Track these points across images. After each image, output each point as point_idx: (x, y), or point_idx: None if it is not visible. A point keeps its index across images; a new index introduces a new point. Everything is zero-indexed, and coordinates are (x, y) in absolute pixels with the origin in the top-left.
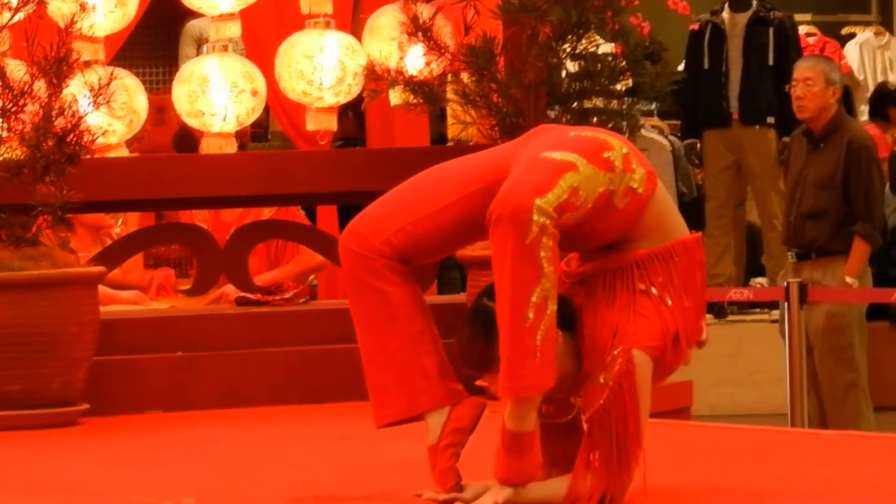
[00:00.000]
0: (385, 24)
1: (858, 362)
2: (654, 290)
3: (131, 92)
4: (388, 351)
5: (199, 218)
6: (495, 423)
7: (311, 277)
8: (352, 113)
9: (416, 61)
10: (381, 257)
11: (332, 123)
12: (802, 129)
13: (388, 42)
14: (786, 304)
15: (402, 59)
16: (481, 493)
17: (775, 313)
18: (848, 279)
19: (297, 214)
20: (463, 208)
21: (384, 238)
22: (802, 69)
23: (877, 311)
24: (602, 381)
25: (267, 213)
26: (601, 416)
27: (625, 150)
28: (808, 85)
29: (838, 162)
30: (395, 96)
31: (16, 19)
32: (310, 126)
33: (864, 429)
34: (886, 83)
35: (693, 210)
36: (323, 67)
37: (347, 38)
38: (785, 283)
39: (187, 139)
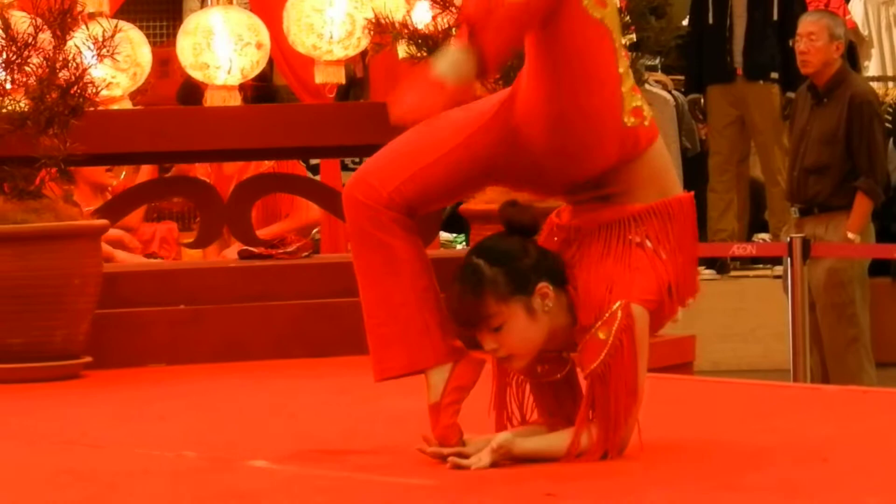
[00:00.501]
0: None
1: (860, 318)
2: (648, 244)
3: (135, 44)
4: (392, 305)
5: (201, 171)
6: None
7: (315, 231)
8: None
9: (422, 15)
10: (389, 209)
11: (340, 76)
12: (807, 85)
13: None
14: (788, 259)
15: (408, 12)
16: (483, 447)
17: (778, 269)
18: (850, 234)
19: (298, 167)
20: (469, 147)
21: (393, 187)
22: (806, 24)
23: (879, 267)
24: (602, 336)
25: (267, 165)
26: (602, 371)
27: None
28: (811, 40)
29: (841, 117)
30: (402, 49)
31: None
32: (318, 79)
33: (865, 384)
34: None
35: (696, 165)
36: (333, 20)
37: None
38: (788, 239)
39: (192, 92)
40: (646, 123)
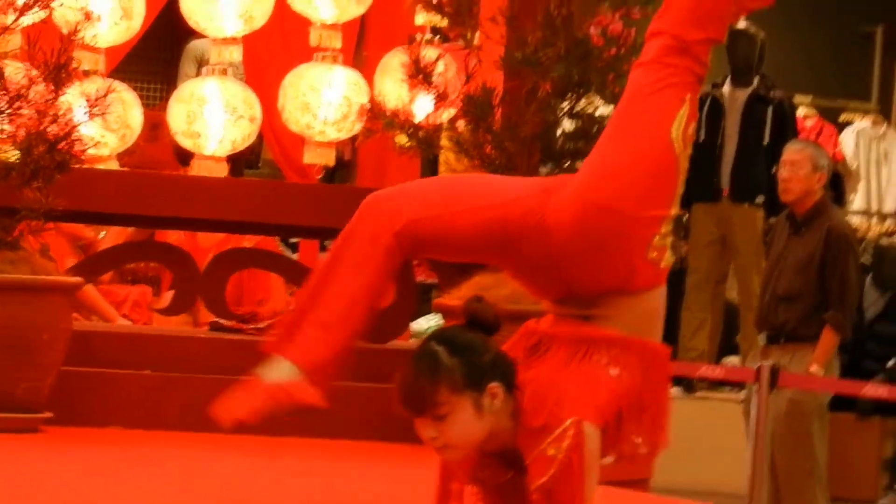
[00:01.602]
0: (397, 65)
1: (817, 451)
2: (613, 370)
3: (127, 106)
4: (337, 297)
5: (173, 239)
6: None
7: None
8: None
9: (425, 106)
10: (395, 236)
11: (330, 158)
12: (786, 213)
13: (398, 83)
14: (754, 386)
15: (411, 101)
16: None
17: (744, 393)
18: (813, 367)
19: (276, 248)
20: (504, 212)
21: (413, 218)
22: (791, 152)
23: (843, 402)
24: (552, 452)
25: (247, 243)
26: (549, 488)
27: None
28: (794, 168)
29: (817, 247)
30: (401, 139)
31: (20, 23)
32: (307, 159)
33: None
34: None
35: (674, 282)
36: (329, 102)
37: (354, 75)
38: (756, 366)
39: (186, 154)
40: (662, 265)
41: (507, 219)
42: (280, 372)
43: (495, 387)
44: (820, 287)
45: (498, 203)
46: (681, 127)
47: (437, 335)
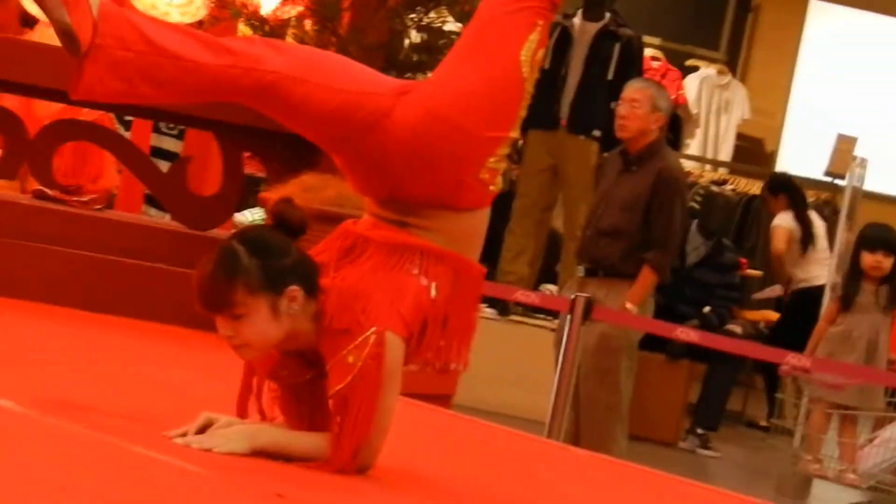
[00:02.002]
0: None
1: (622, 387)
2: (423, 280)
3: None
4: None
5: (9, 104)
6: None
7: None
8: None
9: (273, 1)
10: (256, 73)
11: None
12: (619, 149)
13: None
14: (568, 316)
15: None
16: (228, 429)
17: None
18: (628, 304)
19: (111, 124)
20: (359, 99)
21: (278, 70)
22: (631, 90)
23: (654, 343)
24: (351, 360)
25: (85, 118)
26: (345, 394)
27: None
28: (633, 106)
29: (646, 187)
30: (241, 28)
31: None
32: None
33: (614, 453)
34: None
35: (501, 204)
36: None
37: None
38: (571, 296)
39: (30, 18)
40: (491, 188)
41: (359, 108)
42: None
43: (294, 290)
44: (644, 226)
45: (357, 91)
46: (530, 51)
47: (241, 234)
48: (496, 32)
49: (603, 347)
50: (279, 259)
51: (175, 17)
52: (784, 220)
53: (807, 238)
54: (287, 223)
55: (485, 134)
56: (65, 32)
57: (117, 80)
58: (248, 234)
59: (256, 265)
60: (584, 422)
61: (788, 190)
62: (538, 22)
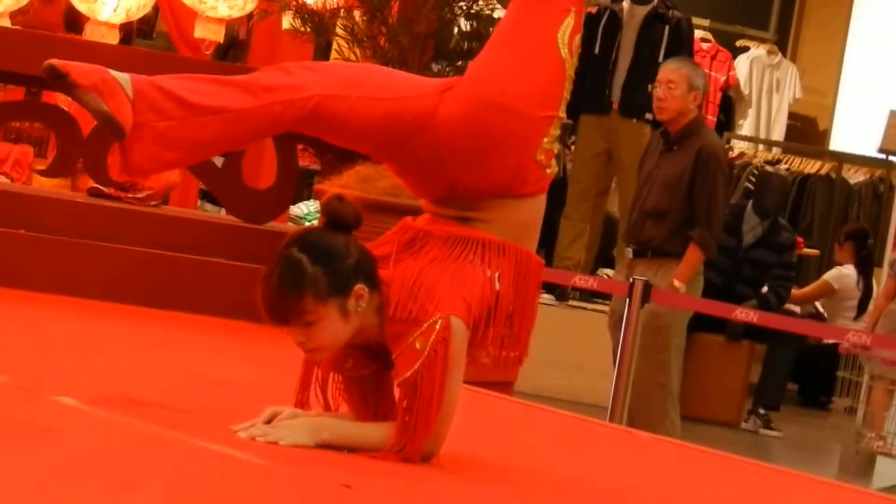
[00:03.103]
0: None
1: (672, 366)
2: (487, 271)
3: None
4: (209, 95)
5: (63, 100)
6: None
7: (174, 187)
8: None
9: None
10: (296, 100)
11: (219, 34)
12: (661, 130)
13: None
14: (627, 299)
15: None
16: (293, 421)
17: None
18: (676, 282)
19: None
20: (405, 105)
21: (324, 94)
22: (667, 71)
23: (715, 324)
24: (419, 347)
25: None
26: (414, 380)
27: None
28: (669, 88)
29: (687, 165)
30: (287, 21)
31: None
32: (198, 33)
33: (668, 432)
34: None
35: (556, 191)
36: None
37: None
38: (624, 278)
39: (76, 19)
40: (548, 171)
41: (405, 113)
42: (118, 74)
43: (360, 288)
44: (687, 205)
45: (399, 97)
46: (566, 34)
47: (300, 241)
48: (531, 18)
49: (653, 326)
50: (342, 261)
51: (223, 10)
52: (837, 276)
53: (866, 298)
54: (341, 220)
55: (535, 113)
56: (106, 120)
57: (168, 151)
58: (308, 240)
59: (321, 272)
60: (635, 400)
61: (858, 241)
62: (571, 8)
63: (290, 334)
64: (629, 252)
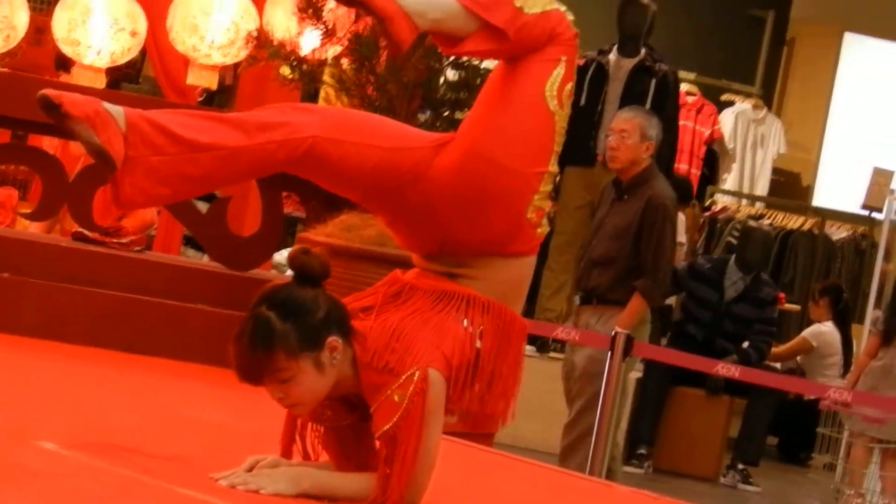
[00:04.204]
0: None
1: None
2: (469, 328)
3: (14, 7)
4: (202, 130)
5: (47, 144)
6: None
7: (152, 228)
8: None
9: (312, 41)
10: (292, 139)
11: (213, 81)
12: (613, 179)
13: (288, 15)
14: (609, 352)
15: (299, 34)
16: (273, 470)
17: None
18: (617, 328)
19: None
20: (397, 155)
21: (321, 136)
22: (620, 120)
23: (695, 378)
24: (397, 399)
25: None
26: (392, 433)
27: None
28: (623, 137)
29: (636, 214)
30: (285, 70)
31: None
32: (191, 80)
33: (597, 475)
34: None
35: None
36: (218, 26)
37: (245, 2)
38: (612, 332)
39: (67, 59)
40: (538, 231)
41: (401, 163)
42: (111, 107)
43: (334, 340)
44: (635, 254)
45: (395, 147)
46: (555, 86)
47: (268, 299)
48: (517, 72)
49: (589, 371)
50: (312, 315)
51: (217, 58)
52: (815, 333)
53: (848, 353)
54: (309, 273)
55: (525, 170)
56: (98, 153)
57: (158, 186)
58: (276, 297)
59: (291, 328)
60: (567, 441)
61: (833, 297)
62: (561, 57)
63: (268, 391)
64: (577, 299)
